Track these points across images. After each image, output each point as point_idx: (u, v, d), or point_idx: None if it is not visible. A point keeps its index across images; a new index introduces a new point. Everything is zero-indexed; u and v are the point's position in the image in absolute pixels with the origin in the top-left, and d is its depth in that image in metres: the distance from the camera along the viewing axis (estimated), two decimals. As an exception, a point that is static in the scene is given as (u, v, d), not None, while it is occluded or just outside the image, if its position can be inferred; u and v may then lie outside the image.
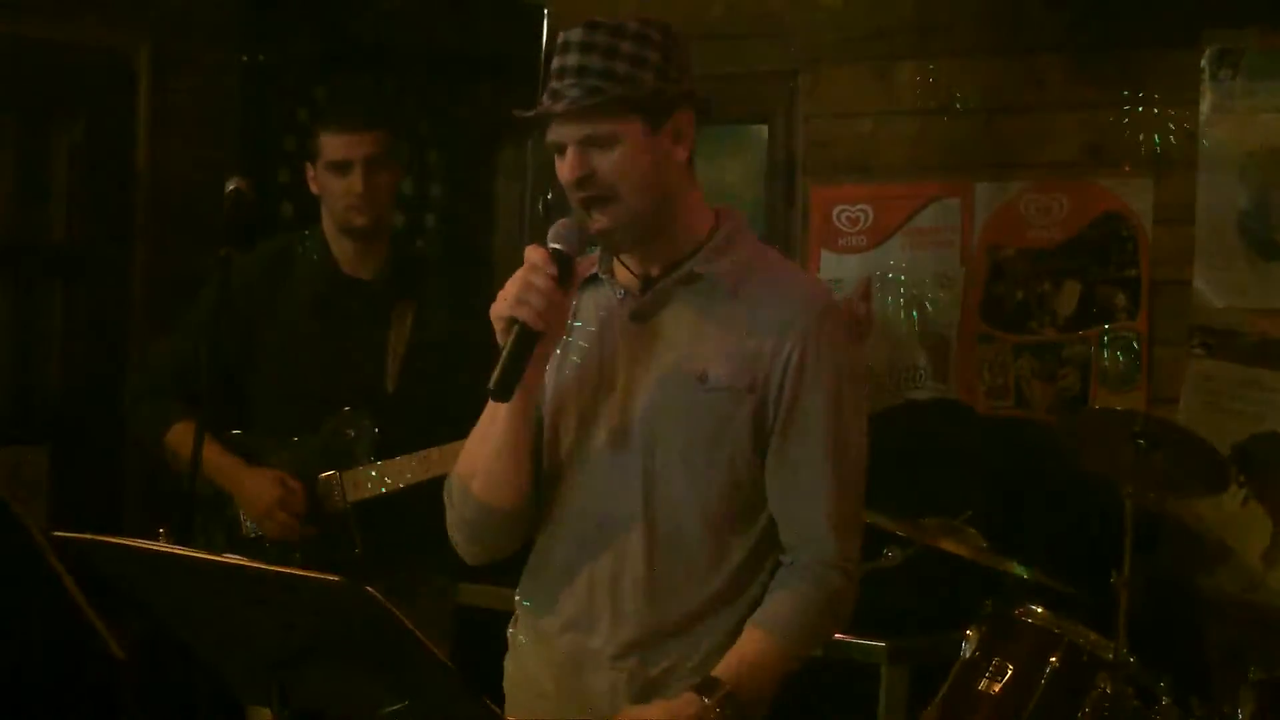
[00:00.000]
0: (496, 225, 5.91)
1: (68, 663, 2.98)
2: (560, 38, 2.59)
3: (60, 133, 5.39)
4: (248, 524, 3.93)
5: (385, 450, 3.86)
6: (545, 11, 5.21)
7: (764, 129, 5.26)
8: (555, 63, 2.58)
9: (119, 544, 2.27)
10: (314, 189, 3.99)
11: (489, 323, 2.57)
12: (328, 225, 4.00)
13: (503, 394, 2.54)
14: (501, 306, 2.54)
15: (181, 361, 3.89)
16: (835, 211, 5.12)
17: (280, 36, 5.52)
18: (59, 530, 2.36)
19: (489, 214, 5.94)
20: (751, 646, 2.62)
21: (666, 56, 2.58)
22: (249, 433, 3.97)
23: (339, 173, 3.90)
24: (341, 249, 3.98)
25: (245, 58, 5.50)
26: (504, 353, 2.51)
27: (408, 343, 3.94)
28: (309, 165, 3.98)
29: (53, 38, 5.25)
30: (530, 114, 2.60)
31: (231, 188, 3.67)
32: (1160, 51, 4.58)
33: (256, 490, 3.88)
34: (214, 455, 3.82)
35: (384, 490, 3.84)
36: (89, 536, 2.25)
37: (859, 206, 5.08)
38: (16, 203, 5.34)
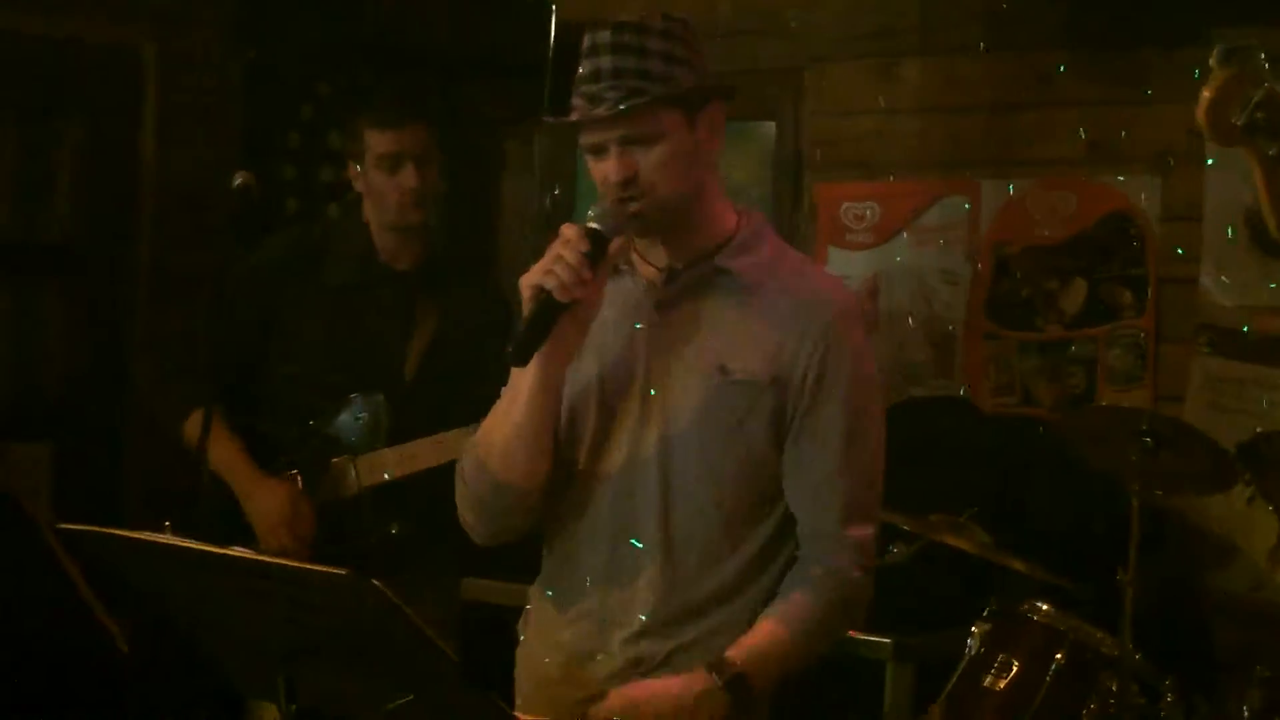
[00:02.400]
0: (502, 221, 5.91)
1: (74, 656, 2.98)
2: (587, 40, 2.61)
3: (64, 130, 5.39)
4: None
5: (399, 436, 3.84)
6: (553, 7, 5.21)
7: (770, 126, 5.25)
8: (586, 66, 2.60)
9: (124, 537, 2.27)
10: (358, 187, 3.95)
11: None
12: (374, 221, 3.94)
13: (520, 359, 2.58)
14: (531, 275, 2.57)
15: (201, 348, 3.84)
16: (842, 208, 5.11)
17: (285, 34, 5.52)
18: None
19: (495, 210, 5.94)
20: (765, 637, 2.64)
21: (692, 49, 2.64)
22: (267, 417, 3.93)
23: (389, 168, 3.85)
24: (384, 241, 3.93)
25: (250, 55, 5.50)
26: (527, 319, 2.56)
27: (432, 335, 3.92)
28: (352, 165, 3.93)
29: (57, 34, 5.25)
30: (570, 120, 2.62)
31: (238, 181, 3.62)
32: (1167, 49, 4.56)
33: (266, 504, 3.80)
34: (229, 455, 3.80)
35: (399, 474, 3.81)
36: (94, 529, 2.25)
37: (865, 203, 5.07)
38: (20, 199, 5.35)
